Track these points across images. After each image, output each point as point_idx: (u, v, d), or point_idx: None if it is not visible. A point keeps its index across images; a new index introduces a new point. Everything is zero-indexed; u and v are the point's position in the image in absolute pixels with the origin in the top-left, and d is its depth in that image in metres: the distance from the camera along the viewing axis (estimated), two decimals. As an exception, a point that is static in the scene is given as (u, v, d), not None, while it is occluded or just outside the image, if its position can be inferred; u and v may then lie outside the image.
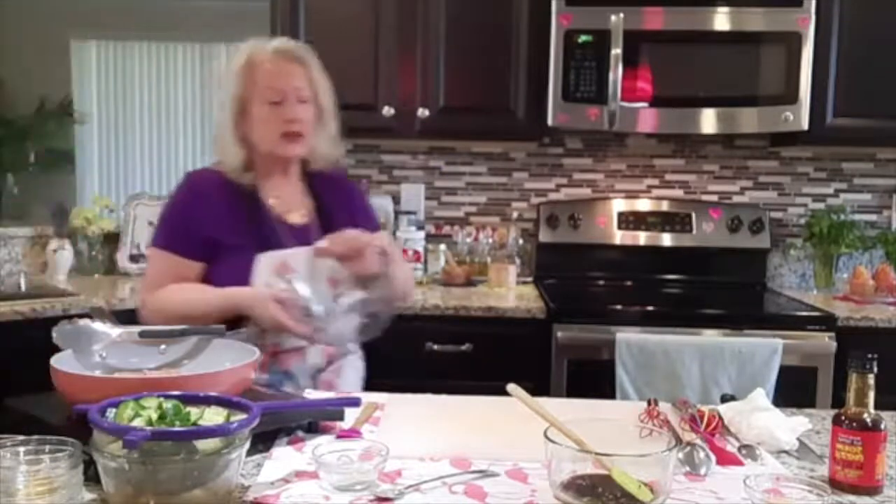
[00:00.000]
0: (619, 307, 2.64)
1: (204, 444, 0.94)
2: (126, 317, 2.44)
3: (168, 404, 1.00)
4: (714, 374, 2.39)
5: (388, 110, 2.83)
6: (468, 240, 3.15)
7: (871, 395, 1.10)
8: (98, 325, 1.35)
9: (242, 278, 1.68)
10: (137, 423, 0.96)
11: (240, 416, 1.00)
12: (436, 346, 2.55)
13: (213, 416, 1.00)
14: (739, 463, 1.20)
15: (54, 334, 1.29)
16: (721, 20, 2.73)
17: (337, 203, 1.85)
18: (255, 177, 1.79)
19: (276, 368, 1.71)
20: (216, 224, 1.73)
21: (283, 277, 1.66)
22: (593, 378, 2.46)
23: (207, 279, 1.74)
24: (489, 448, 1.22)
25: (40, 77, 5.66)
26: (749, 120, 2.76)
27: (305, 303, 1.59)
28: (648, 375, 2.41)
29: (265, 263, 1.69)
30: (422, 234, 3.09)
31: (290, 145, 1.76)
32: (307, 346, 1.72)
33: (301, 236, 1.76)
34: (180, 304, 1.69)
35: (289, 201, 1.82)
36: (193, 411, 1.01)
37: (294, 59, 1.78)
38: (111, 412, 0.99)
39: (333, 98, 1.84)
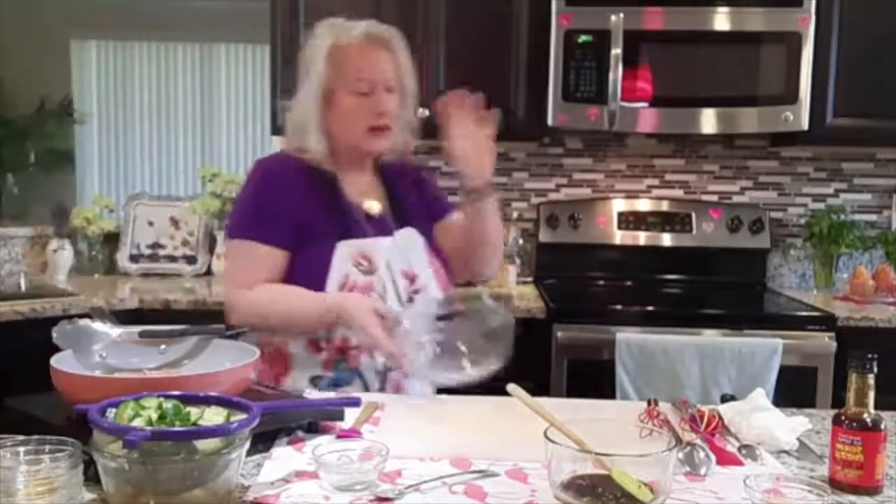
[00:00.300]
0: (619, 307, 2.64)
1: (204, 444, 0.94)
2: (126, 317, 2.45)
3: (168, 404, 1.00)
4: (714, 374, 2.39)
5: (388, 110, 2.83)
6: (468, 240, 3.15)
7: (871, 395, 1.10)
8: (98, 325, 1.35)
9: (325, 267, 1.62)
10: (137, 423, 0.96)
11: (240, 416, 1.00)
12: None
13: (213, 416, 1.00)
14: (739, 463, 1.20)
15: (54, 334, 1.29)
16: (721, 20, 2.73)
17: (408, 192, 1.78)
18: (334, 164, 1.72)
19: (344, 366, 1.63)
20: (297, 208, 1.66)
21: (361, 269, 1.62)
22: (593, 378, 2.46)
23: (290, 268, 1.66)
24: (489, 448, 1.22)
25: (40, 77, 5.66)
26: (749, 120, 2.76)
27: (394, 315, 1.52)
28: (648, 375, 2.41)
29: (344, 252, 1.63)
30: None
31: (377, 140, 1.69)
32: None
33: (379, 226, 1.70)
34: (282, 310, 1.62)
35: (365, 191, 1.75)
36: (193, 411, 1.01)
37: (383, 44, 1.69)
38: (111, 412, 0.99)
39: (416, 84, 1.76)
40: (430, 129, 1.68)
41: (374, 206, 1.74)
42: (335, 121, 1.69)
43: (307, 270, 1.63)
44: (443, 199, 1.88)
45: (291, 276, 1.65)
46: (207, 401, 1.05)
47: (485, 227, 1.73)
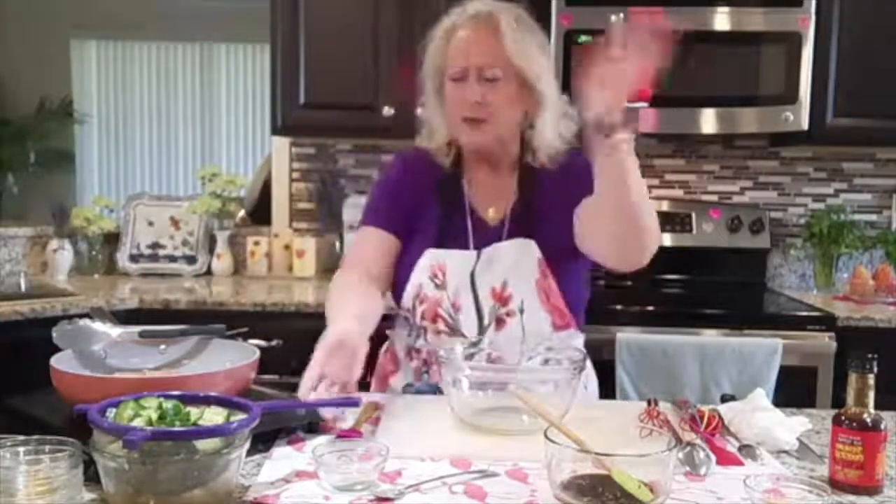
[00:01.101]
0: (619, 307, 2.64)
1: (204, 444, 0.94)
2: (126, 317, 2.45)
3: (168, 404, 1.00)
4: (714, 374, 2.39)
5: (388, 110, 2.82)
6: (468, 240, 3.15)
7: (871, 395, 1.10)
8: (98, 325, 1.35)
9: (410, 274, 1.57)
10: (137, 423, 0.96)
11: (240, 416, 1.00)
12: (436, 346, 2.55)
13: (213, 416, 1.01)
14: (739, 463, 1.20)
15: (54, 334, 1.29)
16: (721, 20, 2.73)
17: (555, 195, 1.55)
18: (459, 161, 1.62)
19: (426, 379, 1.59)
20: (409, 205, 1.60)
21: (435, 282, 1.54)
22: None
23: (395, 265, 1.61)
24: (489, 448, 1.22)
25: (40, 77, 5.67)
26: (749, 120, 2.76)
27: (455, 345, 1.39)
28: (648, 375, 2.41)
29: (427, 261, 1.56)
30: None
31: (470, 132, 1.54)
32: None
33: (490, 236, 1.58)
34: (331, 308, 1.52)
35: (490, 194, 1.61)
36: (193, 411, 1.01)
37: (483, 26, 1.52)
38: (111, 412, 0.99)
39: (553, 76, 1.57)
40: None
41: (492, 212, 1.61)
42: (445, 111, 1.59)
43: (398, 273, 1.59)
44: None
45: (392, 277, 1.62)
46: (207, 401, 1.05)
47: (619, 190, 1.39)
